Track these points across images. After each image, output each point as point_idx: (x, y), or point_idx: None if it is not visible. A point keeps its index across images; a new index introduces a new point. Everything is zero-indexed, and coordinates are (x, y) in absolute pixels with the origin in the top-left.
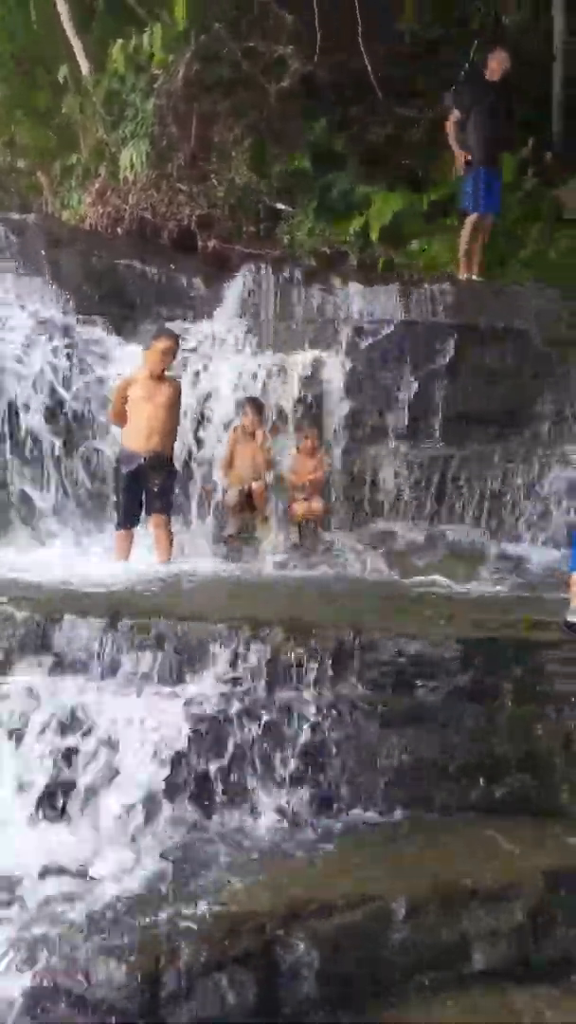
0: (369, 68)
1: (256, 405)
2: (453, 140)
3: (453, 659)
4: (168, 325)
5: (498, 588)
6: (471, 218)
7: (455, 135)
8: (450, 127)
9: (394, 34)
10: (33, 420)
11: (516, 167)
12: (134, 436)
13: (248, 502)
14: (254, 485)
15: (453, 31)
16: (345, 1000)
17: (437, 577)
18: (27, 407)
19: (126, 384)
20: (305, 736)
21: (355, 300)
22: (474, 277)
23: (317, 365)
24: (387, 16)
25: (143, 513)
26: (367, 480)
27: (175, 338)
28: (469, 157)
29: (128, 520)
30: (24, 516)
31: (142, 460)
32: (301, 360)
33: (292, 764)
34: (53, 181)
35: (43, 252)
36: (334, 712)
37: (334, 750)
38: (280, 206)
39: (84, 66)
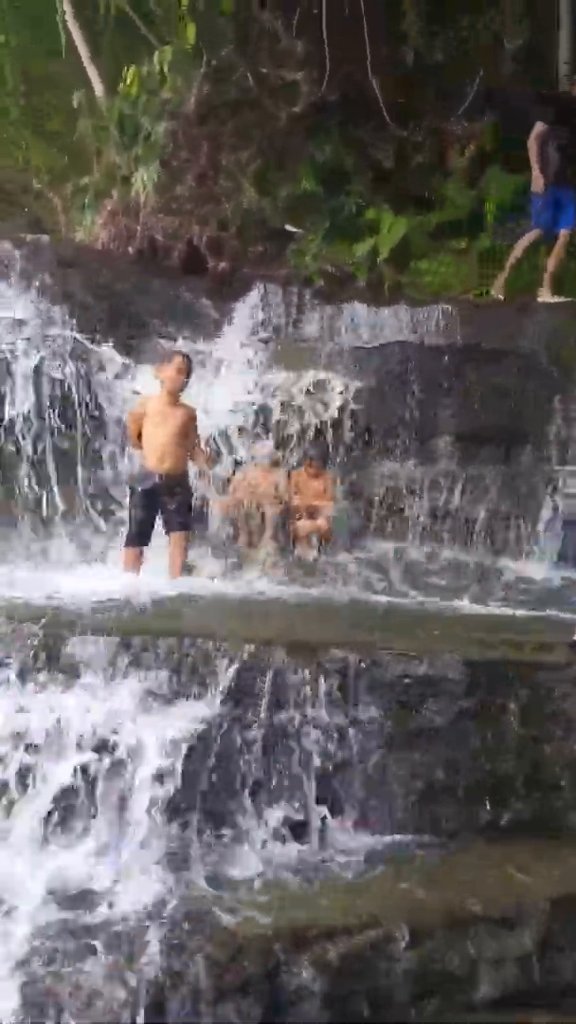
0: (377, 92)
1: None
2: (535, 157)
3: (459, 680)
4: (178, 345)
5: (505, 608)
6: (530, 235)
7: (537, 151)
8: (533, 142)
9: (399, 59)
10: (43, 437)
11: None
12: (149, 458)
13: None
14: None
15: (455, 56)
16: None
17: (443, 597)
18: (37, 424)
19: (141, 410)
20: (309, 757)
21: (362, 321)
22: (558, 298)
23: (323, 385)
24: (393, 41)
25: (164, 531)
26: (373, 500)
27: (187, 359)
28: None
29: (140, 538)
30: (35, 531)
31: (156, 479)
32: (307, 380)
33: (295, 786)
34: (65, 202)
35: (54, 272)
36: (338, 733)
37: (338, 772)
38: (289, 228)
39: (98, 89)
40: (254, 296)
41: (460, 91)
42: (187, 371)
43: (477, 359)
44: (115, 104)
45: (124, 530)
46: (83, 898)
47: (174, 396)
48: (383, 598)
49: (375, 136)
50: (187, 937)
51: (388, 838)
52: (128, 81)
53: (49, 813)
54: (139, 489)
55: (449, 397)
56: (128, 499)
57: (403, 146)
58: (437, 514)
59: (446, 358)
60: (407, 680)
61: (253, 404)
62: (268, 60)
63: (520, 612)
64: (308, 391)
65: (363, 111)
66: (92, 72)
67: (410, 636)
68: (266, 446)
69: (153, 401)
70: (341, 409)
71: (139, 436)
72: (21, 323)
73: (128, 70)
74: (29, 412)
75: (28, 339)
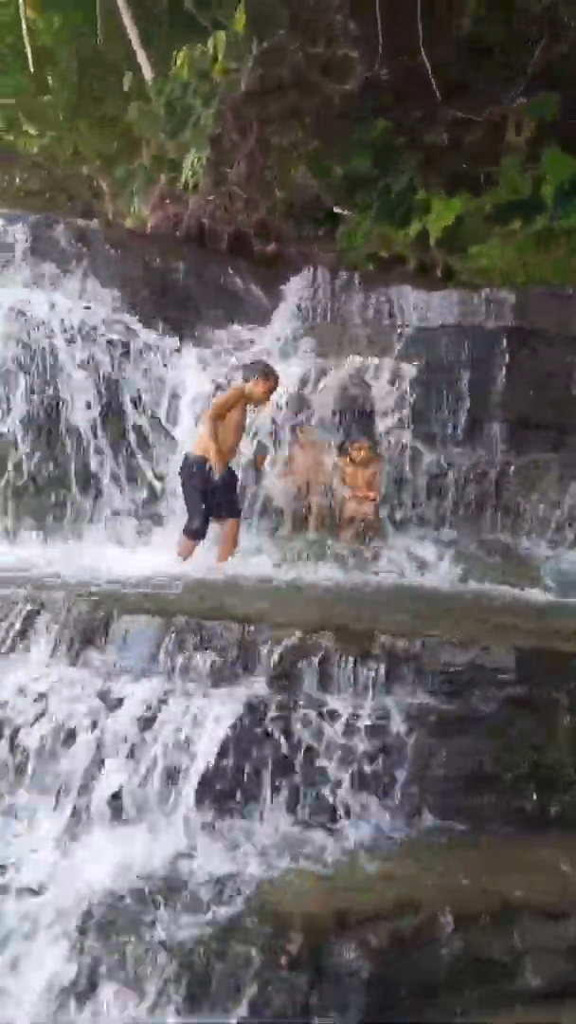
0: (429, 70)
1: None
2: None
3: (508, 668)
4: (227, 330)
5: (553, 596)
6: None
7: None
8: None
9: (454, 35)
10: (91, 421)
11: None
12: (219, 452)
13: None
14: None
15: (512, 31)
16: (392, 1011)
17: (492, 585)
18: (86, 408)
19: (237, 399)
20: (355, 742)
21: (412, 305)
22: None
23: (372, 370)
24: (448, 17)
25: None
26: (421, 487)
27: (277, 378)
28: None
29: (204, 526)
30: (83, 514)
31: (211, 468)
32: (355, 364)
33: (341, 770)
34: (115, 187)
35: (104, 257)
36: (384, 719)
37: (384, 757)
38: (338, 210)
39: (148, 74)
40: (302, 280)
41: (517, 68)
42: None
43: (530, 344)
44: (165, 88)
45: (175, 517)
46: (132, 868)
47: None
48: (430, 585)
49: (428, 115)
50: (232, 915)
51: (433, 824)
52: (178, 64)
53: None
54: (198, 476)
55: (501, 382)
56: (184, 485)
57: (457, 125)
58: (487, 501)
59: (498, 343)
60: (454, 667)
61: (299, 389)
62: (320, 39)
63: (571, 601)
64: (356, 376)
65: (416, 90)
66: (142, 56)
67: (458, 623)
68: (312, 432)
69: (241, 399)
70: (389, 394)
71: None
72: (73, 307)
73: (178, 53)
74: (75, 395)
75: (80, 323)
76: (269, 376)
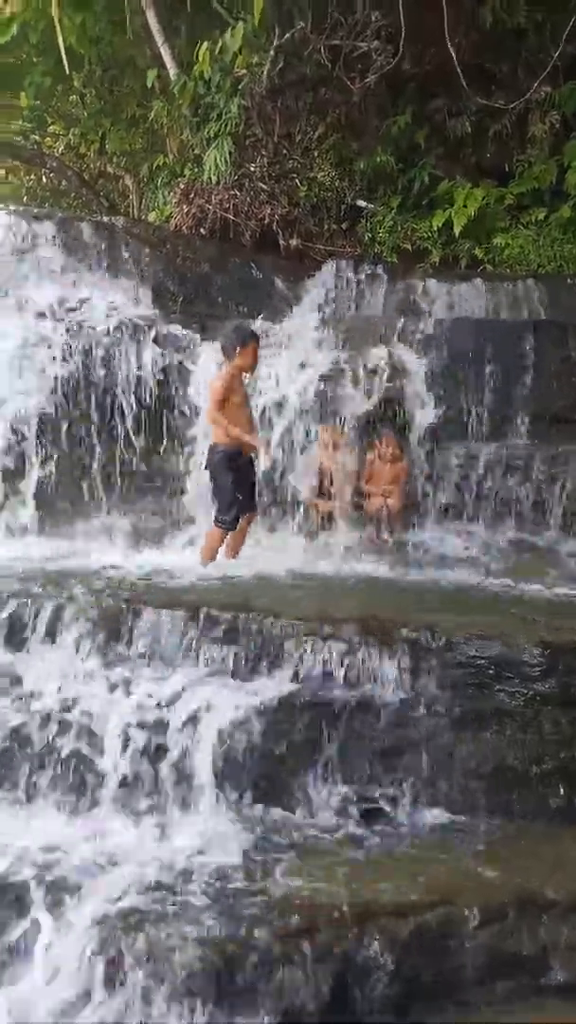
0: (455, 60)
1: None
2: None
3: (534, 663)
4: (252, 324)
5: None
6: None
7: None
8: None
9: (478, 24)
10: (113, 416)
11: None
12: (245, 431)
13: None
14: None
15: (537, 19)
16: (418, 1003)
17: (519, 579)
18: (113, 403)
19: (228, 384)
20: (380, 735)
21: (437, 297)
22: None
23: (396, 363)
24: (473, 7)
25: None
26: (447, 480)
27: (258, 336)
28: None
29: (236, 520)
30: (104, 512)
31: (246, 457)
32: (379, 357)
33: (367, 763)
34: (140, 184)
35: (129, 254)
36: (410, 712)
37: (410, 751)
38: (361, 203)
39: (172, 70)
40: (326, 273)
41: (542, 56)
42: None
43: (556, 335)
44: (188, 83)
45: (198, 513)
46: (156, 861)
47: (251, 372)
48: (456, 579)
49: (452, 106)
50: (259, 906)
51: (458, 818)
52: (200, 59)
53: (123, 783)
54: (233, 468)
55: (526, 375)
56: (216, 477)
57: (481, 116)
58: (512, 495)
59: (522, 334)
60: (480, 661)
61: (323, 382)
62: (342, 32)
63: None
64: (379, 368)
65: (440, 81)
66: (166, 53)
67: (483, 618)
68: (329, 430)
69: (236, 377)
70: (413, 387)
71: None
72: (98, 303)
73: (200, 48)
74: (99, 389)
75: (104, 318)
76: (248, 339)
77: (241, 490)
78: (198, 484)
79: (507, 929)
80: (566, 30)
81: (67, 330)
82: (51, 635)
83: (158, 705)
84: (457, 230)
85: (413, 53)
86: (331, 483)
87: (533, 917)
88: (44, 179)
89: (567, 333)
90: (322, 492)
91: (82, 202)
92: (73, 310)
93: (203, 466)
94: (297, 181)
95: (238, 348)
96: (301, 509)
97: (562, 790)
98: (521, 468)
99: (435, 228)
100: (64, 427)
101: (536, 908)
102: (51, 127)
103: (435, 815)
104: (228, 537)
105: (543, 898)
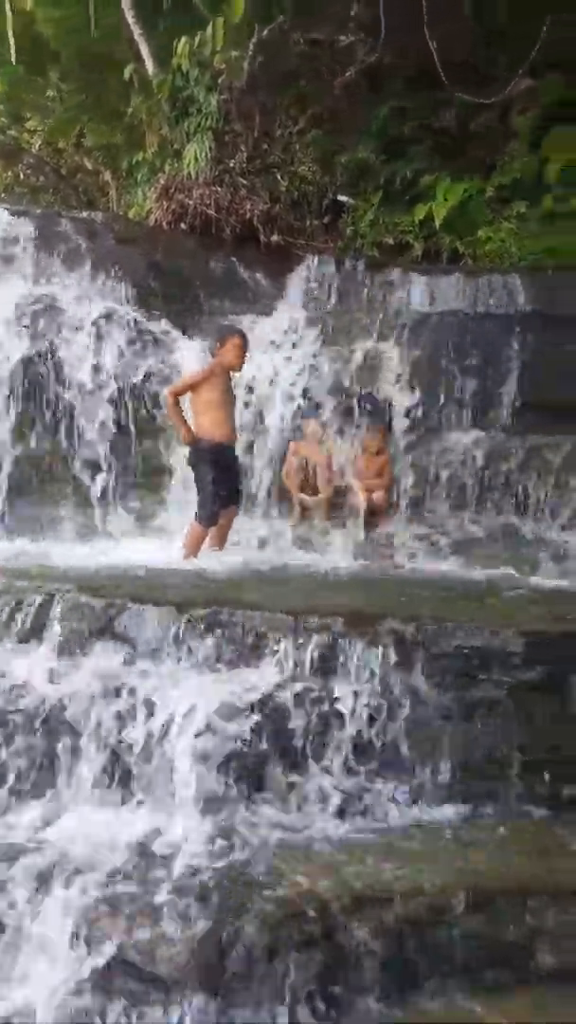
0: (435, 55)
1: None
2: None
3: (518, 653)
4: (233, 320)
5: (565, 581)
6: None
7: None
8: None
9: (458, 16)
10: (97, 413)
11: None
12: (223, 429)
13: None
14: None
15: (518, 12)
16: (407, 991)
17: (503, 570)
18: (92, 399)
19: (204, 378)
20: (366, 727)
21: (418, 290)
22: None
23: (379, 356)
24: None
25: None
26: (431, 472)
27: (245, 335)
28: None
29: (215, 516)
30: (84, 507)
31: (229, 452)
32: (362, 351)
33: (352, 755)
34: (119, 179)
35: (110, 250)
36: (396, 704)
37: (396, 742)
38: (342, 198)
39: (150, 65)
40: (307, 268)
41: (523, 50)
42: (245, 348)
43: (538, 327)
44: (167, 78)
45: (180, 508)
46: (143, 854)
47: (238, 369)
48: (440, 570)
49: (434, 100)
50: (245, 895)
51: (445, 808)
52: (179, 53)
53: (110, 775)
54: (213, 463)
55: (509, 366)
56: (196, 471)
57: (463, 110)
58: (497, 486)
59: (505, 326)
60: (465, 651)
61: (304, 377)
62: (321, 26)
63: None
64: (361, 363)
65: (420, 74)
66: (144, 47)
67: (469, 608)
68: (317, 420)
69: (216, 372)
70: (396, 380)
71: (179, 402)
72: (79, 299)
73: (179, 42)
74: (82, 388)
75: (85, 314)
76: (226, 335)
77: (222, 486)
78: (181, 480)
79: (494, 917)
80: (545, 24)
81: (45, 327)
82: (35, 630)
83: (141, 700)
84: (438, 223)
85: (395, 47)
86: (315, 475)
87: (519, 904)
88: (21, 175)
89: (548, 325)
90: (306, 484)
91: (60, 198)
92: (51, 307)
93: (187, 461)
94: (278, 176)
95: (217, 344)
96: (284, 502)
97: (547, 778)
98: (503, 458)
99: (416, 222)
100: (42, 422)
101: (522, 894)
102: (28, 122)
103: (422, 805)
104: (211, 532)
105: (530, 885)
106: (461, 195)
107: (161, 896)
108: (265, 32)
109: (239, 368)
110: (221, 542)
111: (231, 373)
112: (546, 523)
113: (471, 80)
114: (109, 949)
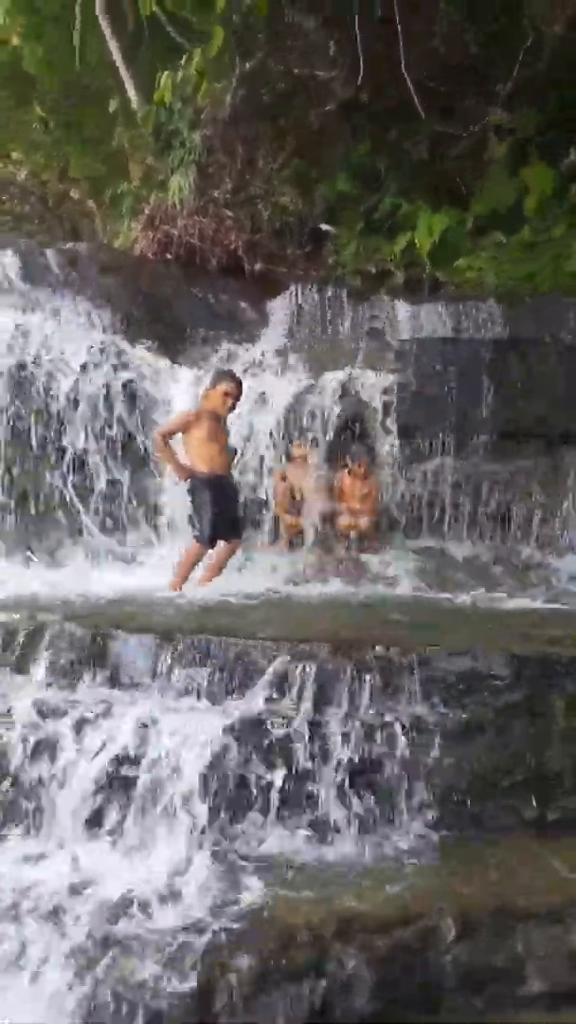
0: (412, 89)
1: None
2: None
3: (503, 675)
4: (219, 349)
5: (548, 603)
6: None
7: None
8: None
9: (434, 51)
10: (86, 442)
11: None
12: (217, 462)
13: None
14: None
15: (492, 46)
16: (398, 1018)
17: (486, 593)
18: (80, 429)
19: (192, 420)
20: (353, 753)
21: (401, 318)
22: None
23: (362, 383)
24: (428, 35)
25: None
26: (415, 497)
27: (238, 382)
28: None
29: (215, 539)
30: (75, 536)
31: (226, 481)
32: (344, 378)
33: (340, 780)
34: (103, 209)
35: (95, 280)
36: (382, 729)
37: (382, 766)
38: (324, 228)
39: (133, 96)
40: (290, 297)
41: (498, 82)
42: (236, 396)
43: (518, 352)
44: (151, 110)
45: (170, 538)
46: (132, 883)
47: (224, 416)
48: (425, 595)
49: (411, 132)
50: (235, 927)
51: (433, 833)
52: (161, 86)
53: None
54: (212, 493)
55: (489, 392)
56: (196, 500)
57: (440, 141)
58: (478, 510)
59: (486, 352)
60: (452, 675)
61: (290, 404)
62: (301, 61)
63: (563, 606)
64: (345, 389)
65: (398, 107)
66: (127, 80)
67: (453, 632)
68: (302, 447)
69: (204, 415)
70: (378, 407)
71: (168, 444)
72: (64, 330)
73: (161, 75)
74: (70, 418)
75: (72, 345)
76: (216, 380)
77: (221, 509)
78: (171, 509)
79: (483, 941)
80: (518, 59)
81: (34, 358)
82: (22, 661)
83: (130, 730)
84: (422, 253)
85: (372, 82)
86: (302, 499)
87: (508, 929)
88: (7, 204)
89: (528, 351)
90: (292, 508)
91: (45, 228)
92: (34, 336)
93: (186, 490)
94: (260, 206)
95: (209, 386)
96: (271, 527)
97: (534, 800)
98: (486, 484)
99: (397, 251)
100: (31, 453)
101: (512, 919)
102: (13, 153)
103: (409, 830)
104: (205, 561)
105: (518, 909)
106: (446, 225)
107: (150, 928)
108: (246, 66)
109: (224, 415)
110: (210, 577)
111: (222, 418)
112: (527, 546)
113: (447, 113)
114: (98, 981)
